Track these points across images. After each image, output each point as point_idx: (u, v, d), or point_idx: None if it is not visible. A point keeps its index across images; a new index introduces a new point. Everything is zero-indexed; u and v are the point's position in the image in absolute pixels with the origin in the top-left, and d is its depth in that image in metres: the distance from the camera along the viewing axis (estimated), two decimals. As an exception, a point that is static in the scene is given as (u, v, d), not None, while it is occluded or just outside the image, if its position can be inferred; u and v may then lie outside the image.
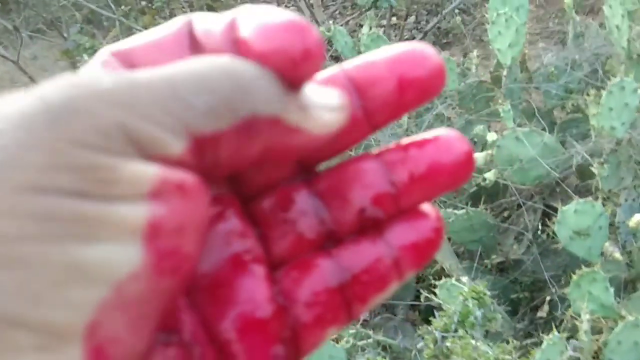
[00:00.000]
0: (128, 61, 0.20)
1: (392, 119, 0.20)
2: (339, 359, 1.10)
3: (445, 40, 2.75)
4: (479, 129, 1.22)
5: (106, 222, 0.15)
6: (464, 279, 1.19)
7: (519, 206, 1.28)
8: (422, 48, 0.19)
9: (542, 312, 1.29)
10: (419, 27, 2.77)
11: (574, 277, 0.90)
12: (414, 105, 0.19)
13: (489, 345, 0.76)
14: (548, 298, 1.26)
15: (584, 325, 0.81)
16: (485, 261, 1.34)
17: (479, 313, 0.80)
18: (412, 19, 2.67)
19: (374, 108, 0.19)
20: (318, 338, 0.19)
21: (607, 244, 1.09)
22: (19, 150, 0.15)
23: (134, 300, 0.16)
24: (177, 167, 0.17)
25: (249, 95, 0.17)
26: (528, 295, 1.31)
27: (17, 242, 0.15)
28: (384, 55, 0.19)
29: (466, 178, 0.20)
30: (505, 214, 1.33)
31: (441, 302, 1.09)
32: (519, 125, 1.21)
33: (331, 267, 0.19)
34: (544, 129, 1.23)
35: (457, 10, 2.57)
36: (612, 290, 0.88)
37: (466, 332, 0.78)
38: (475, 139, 1.45)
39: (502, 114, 1.15)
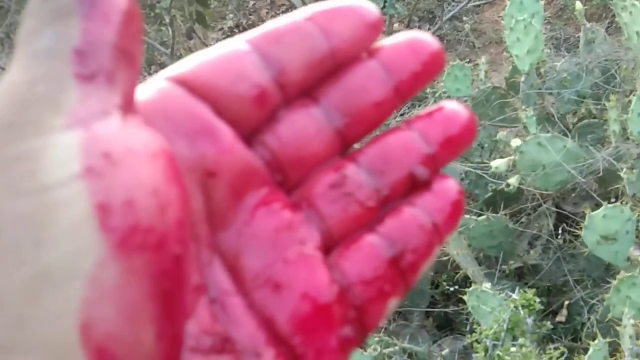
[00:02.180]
0: (187, 85, 0.19)
1: (416, 90, 0.22)
2: (367, 368, 1.09)
3: (438, 47, 2.76)
4: (501, 134, 1.23)
5: (50, 218, 0.15)
6: (487, 285, 1.19)
7: (534, 210, 1.28)
8: (423, 37, 0.21)
9: (561, 317, 1.29)
10: (410, 34, 2.77)
11: (614, 281, 0.90)
12: (431, 76, 0.22)
13: (540, 352, 0.75)
14: (568, 303, 1.27)
15: (628, 330, 0.81)
16: (504, 267, 1.34)
17: (529, 320, 0.80)
18: (402, 26, 2.68)
19: (401, 80, 0.21)
20: (381, 312, 0.20)
21: (632, 248, 1.10)
22: None
23: (113, 289, 0.15)
24: None
25: None
26: (545, 300, 1.31)
27: None
28: (400, 40, 0.21)
29: (473, 137, 0.22)
30: (523, 219, 1.33)
31: (470, 309, 1.09)
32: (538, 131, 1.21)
33: (381, 242, 0.20)
34: (561, 135, 1.24)
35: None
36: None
37: (514, 339, 0.77)
38: (491, 144, 1.46)
39: (525, 120, 1.16)
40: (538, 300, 0.98)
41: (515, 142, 1.15)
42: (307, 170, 0.21)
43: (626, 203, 1.03)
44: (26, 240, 0.14)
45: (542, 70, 1.36)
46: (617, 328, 0.85)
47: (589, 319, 1.10)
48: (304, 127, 0.20)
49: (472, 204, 1.44)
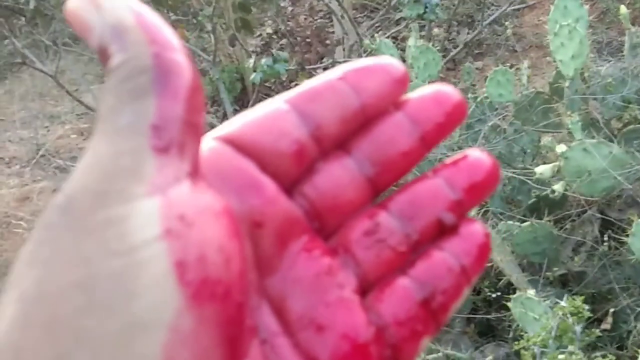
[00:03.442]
0: (234, 144, 0.21)
1: (441, 139, 0.23)
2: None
3: (477, 51, 2.75)
4: (546, 140, 1.22)
5: (137, 275, 0.17)
6: (531, 292, 1.19)
7: (579, 217, 1.27)
8: (446, 90, 0.23)
9: (607, 325, 1.27)
10: (450, 39, 2.77)
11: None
12: (454, 126, 0.23)
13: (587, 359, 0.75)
14: (613, 311, 1.25)
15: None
16: (548, 273, 1.33)
17: (578, 328, 0.80)
18: (441, 30, 2.67)
19: (427, 131, 0.23)
20: (415, 350, 0.21)
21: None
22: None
23: (189, 335, 0.17)
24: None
25: None
26: (590, 308, 1.29)
27: (78, 316, 0.16)
28: (424, 92, 0.23)
29: (497, 183, 0.23)
30: (568, 225, 1.32)
31: (515, 316, 1.08)
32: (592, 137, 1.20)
33: (413, 285, 0.22)
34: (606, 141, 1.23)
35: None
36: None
37: (559, 347, 0.77)
38: (533, 150, 1.45)
39: (570, 126, 1.15)
40: (586, 307, 0.97)
41: (561, 148, 1.14)
42: (343, 218, 0.22)
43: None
44: (118, 294, 0.16)
45: (586, 75, 1.34)
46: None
47: (635, 326, 1.08)
48: (338, 177, 0.22)
49: (515, 210, 1.43)
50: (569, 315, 0.81)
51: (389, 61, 0.23)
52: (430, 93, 0.23)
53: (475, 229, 0.23)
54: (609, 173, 1.14)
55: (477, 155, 0.23)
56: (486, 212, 1.45)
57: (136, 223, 0.17)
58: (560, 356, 0.74)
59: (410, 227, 0.22)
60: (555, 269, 1.34)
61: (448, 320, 0.22)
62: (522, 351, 0.80)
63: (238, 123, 0.22)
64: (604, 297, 1.33)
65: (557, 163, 1.18)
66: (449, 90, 0.23)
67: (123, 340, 0.16)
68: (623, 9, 1.40)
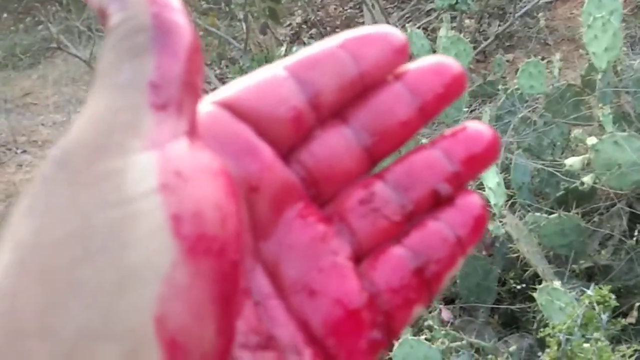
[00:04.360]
0: (232, 109, 0.21)
1: (439, 110, 0.23)
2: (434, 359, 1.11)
3: (508, 44, 2.74)
4: (577, 132, 1.22)
5: (133, 226, 0.17)
6: (557, 283, 1.19)
7: (607, 210, 1.27)
8: (446, 61, 0.23)
9: (632, 318, 1.27)
10: (480, 30, 2.76)
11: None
12: (453, 98, 0.23)
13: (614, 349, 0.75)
14: (638, 304, 1.24)
15: None
16: (574, 266, 1.33)
17: (604, 317, 0.80)
18: (472, 22, 2.66)
19: (425, 102, 0.23)
20: (407, 317, 0.22)
21: None
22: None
23: (184, 288, 0.17)
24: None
25: None
26: (616, 301, 1.29)
27: (73, 266, 0.16)
28: (424, 63, 0.23)
29: (497, 155, 0.23)
30: (596, 218, 1.32)
31: (540, 306, 1.09)
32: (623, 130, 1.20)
33: (407, 253, 0.22)
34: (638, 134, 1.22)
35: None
36: None
37: (584, 335, 0.78)
38: (563, 142, 1.45)
39: (601, 118, 1.15)
40: (613, 297, 0.98)
41: (591, 140, 1.14)
42: (339, 186, 0.22)
43: None
44: (114, 244, 0.17)
45: (619, 68, 1.34)
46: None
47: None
48: (335, 145, 0.22)
49: (543, 202, 1.43)
50: (595, 304, 0.82)
51: (389, 30, 0.23)
52: (429, 64, 0.23)
53: (471, 200, 0.23)
54: (639, 166, 1.13)
55: (476, 127, 0.23)
56: (514, 203, 1.45)
57: (133, 176, 0.17)
58: (586, 344, 0.75)
59: (405, 197, 0.22)
60: (581, 261, 1.33)
61: (442, 289, 0.22)
62: (548, 338, 0.81)
63: (236, 88, 0.22)
64: (629, 291, 1.33)
65: (587, 155, 1.18)
66: (449, 61, 0.23)
67: (117, 290, 0.16)
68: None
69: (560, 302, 1.03)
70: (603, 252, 1.32)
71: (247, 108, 0.21)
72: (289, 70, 0.22)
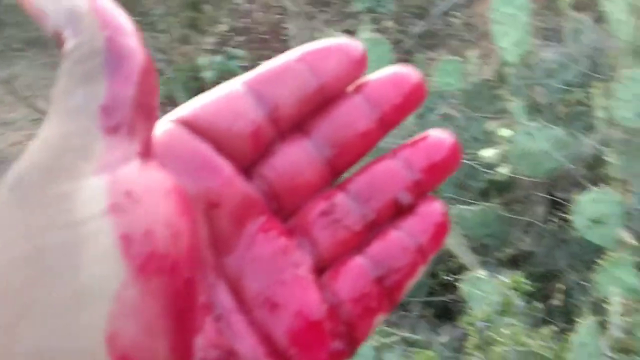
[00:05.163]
0: (190, 126, 0.22)
1: (399, 120, 0.24)
2: (368, 357, 1.13)
3: (430, 42, 2.80)
4: (490, 125, 1.26)
5: (84, 247, 0.17)
6: (480, 272, 1.22)
7: (527, 199, 1.31)
8: (405, 71, 0.23)
9: (557, 301, 1.32)
10: (400, 30, 2.81)
11: (601, 262, 0.93)
12: (413, 107, 0.24)
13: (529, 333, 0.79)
14: (562, 287, 1.29)
15: (615, 308, 0.84)
16: (499, 254, 1.37)
17: (520, 302, 0.83)
18: (393, 22, 2.71)
19: (385, 112, 0.23)
20: (369, 327, 0.22)
21: (621, 230, 1.13)
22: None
23: (135, 306, 0.17)
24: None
25: None
26: (541, 286, 1.34)
27: (24, 287, 0.17)
28: (383, 74, 0.24)
29: (458, 162, 0.24)
30: (516, 207, 1.36)
31: (464, 296, 1.12)
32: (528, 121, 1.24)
33: (368, 263, 0.22)
34: (550, 123, 1.27)
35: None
36: (637, 273, 0.92)
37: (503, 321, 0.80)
38: (483, 136, 1.49)
39: (512, 111, 1.19)
40: (528, 282, 1.01)
41: (505, 132, 1.18)
42: (301, 199, 0.23)
43: (612, 187, 1.07)
44: (65, 266, 0.17)
45: (530, 61, 1.39)
46: (606, 306, 0.88)
47: (582, 301, 1.13)
48: (296, 159, 0.23)
49: (466, 194, 1.47)
50: (511, 290, 0.85)
51: (347, 42, 0.23)
52: (388, 74, 0.23)
53: (433, 208, 0.23)
54: (552, 155, 1.18)
55: (437, 135, 0.23)
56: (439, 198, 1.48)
57: (83, 198, 0.17)
58: (505, 330, 0.78)
59: (366, 207, 0.23)
60: (506, 249, 1.38)
61: (403, 298, 0.23)
62: (467, 327, 0.83)
63: (194, 105, 0.22)
64: (554, 274, 1.38)
65: (502, 147, 1.22)
66: (407, 72, 0.23)
67: (69, 310, 0.17)
68: (563, -4, 1.45)
69: (482, 291, 1.06)
70: (526, 239, 1.37)
71: (206, 124, 0.21)
72: (247, 85, 0.22)
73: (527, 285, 0.85)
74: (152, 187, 0.19)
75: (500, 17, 1.30)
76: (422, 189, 0.23)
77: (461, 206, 1.34)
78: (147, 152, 0.20)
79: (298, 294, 0.22)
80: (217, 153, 0.22)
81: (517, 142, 1.20)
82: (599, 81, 1.24)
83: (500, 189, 1.37)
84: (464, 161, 1.47)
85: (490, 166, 1.26)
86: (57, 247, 0.17)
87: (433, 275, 1.53)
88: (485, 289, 1.08)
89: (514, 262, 1.47)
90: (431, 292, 1.51)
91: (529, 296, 1.38)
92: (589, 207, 1.07)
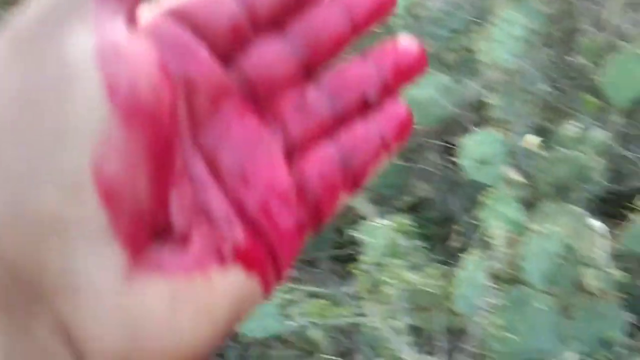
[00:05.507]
0: (173, 14, 0.23)
1: (369, 25, 0.26)
2: (272, 314, 1.13)
3: None
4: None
5: (72, 85, 0.19)
6: (377, 220, 1.25)
7: (420, 146, 1.34)
8: None
9: (455, 242, 1.37)
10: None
11: (483, 198, 0.97)
12: (383, 13, 0.26)
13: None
14: (459, 229, 1.34)
15: (498, 240, 0.88)
16: (398, 203, 1.40)
17: (406, 243, 0.86)
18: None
19: (357, 17, 0.25)
20: (334, 203, 0.25)
21: (508, 168, 1.18)
22: None
23: (118, 143, 0.19)
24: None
25: None
26: (440, 230, 1.39)
27: (15, 120, 0.19)
28: None
29: (424, 67, 0.27)
30: (412, 155, 1.39)
31: (363, 245, 1.14)
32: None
33: (334, 148, 0.25)
34: (438, 72, 1.30)
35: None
36: (519, 207, 0.96)
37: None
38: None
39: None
40: (414, 225, 1.04)
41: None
42: (275, 91, 0.25)
43: (495, 128, 1.10)
44: (54, 97, 0.19)
45: (417, 11, 1.40)
46: (490, 241, 0.92)
47: (473, 239, 1.17)
48: (272, 53, 0.24)
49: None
50: (397, 234, 0.87)
51: None
52: None
53: (398, 106, 0.26)
54: (439, 101, 1.21)
55: (406, 41, 0.26)
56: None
57: (74, 49, 0.19)
58: (392, 272, 0.80)
59: (336, 100, 0.25)
60: (405, 198, 1.41)
61: (366, 182, 0.25)
62: (355, 271, 0.85)
63: None
64: (450, 217, 1.43)
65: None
66: None
67: (57, 139, 0.18)
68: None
69: (373, 237, 1.09)
70: (424, 186, 1.40)
71: (188, 13, 0.23)
72: None
73: (413, 227, 0.87)
74: (137, 50, 0.21)
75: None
76: (389, 89, 0.25)
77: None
78: (133, 21, 0.21)
79: (268, 170, 0.24)
80: (197, 41, 0.23)
81: (406, 91, 1.22)
82: (481, 26, 1.27)
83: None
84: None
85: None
86: (46, 81, 0.19)
87: (338, 230, 1.55)
88: (376, 235, 1.10)
89: (414, 209, 1.50)
90: (337, 246, 1.54)
91: (428, 239, 1.42)
92: (474, 148, 1.11)
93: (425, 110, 1.22)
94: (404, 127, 0.26)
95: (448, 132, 1.34)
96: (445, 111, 1.22)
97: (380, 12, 0.25)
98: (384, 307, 0.76)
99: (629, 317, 1.08)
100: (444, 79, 1.22)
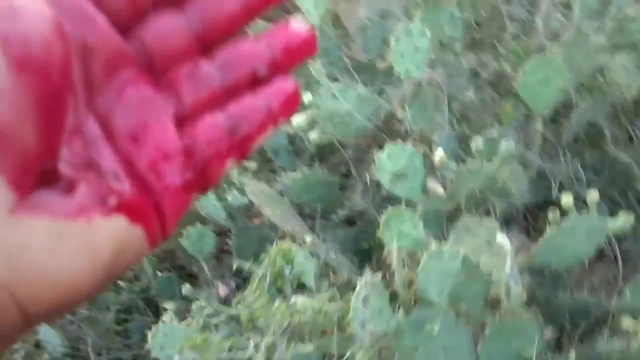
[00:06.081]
0: None
1: (262, 8, 0.27)
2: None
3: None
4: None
5: None
6: (308, 238, 1.23)
7: (347, 160, 1.32)
8: None
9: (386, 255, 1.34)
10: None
11: (383, 217, 0.94)
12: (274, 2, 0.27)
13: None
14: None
15: (395, 261, 0.85)
16: (333, 216, 1.38)
17: (287, 270, 0.83)
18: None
19: (252, 2, 0.27)
20: (221, 167, 0.26)
21: (429, 180, 1.15)
22: None
23: (8, 91, 0.21)
24: None
25: None
26: (373, 243, 1.36)
27: None
28: None
29: (313, 49, 0.28)
30: (341, 168, 1.37)
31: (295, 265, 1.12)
32: (337, 81, 1.24)
33: (223, 117, 0.26)
34: (366, 82, 1.28)
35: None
36: (421, 224, 0.94)
37: (278, 290, 0.80)
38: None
39: (314, 73, 1.18)
40: (340, 245, 1.02)
41: (307, 97, 1.17)
42: (171, 62, 0.26)
43: (409, 140, 1.08)
44: None
45: (338, 22, 1.38)
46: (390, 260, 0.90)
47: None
48: (169, 27, 0.26)
49: (299, 161, 1.46)
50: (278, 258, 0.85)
51: None
52: None
53: (286, 82, 0.27)
54: (355, 114, 1.18)
55: (297, 24, 0.27)
56: (273, 169, 1.48)
57: None
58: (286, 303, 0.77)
59: (227, 74, 0.27)
60: (339, 211, 1.39)
61: (252, 150, 0.27)
62: (239, 305, 0.83)
63: None
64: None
65: (310, 112, 1.21)
66: None
67: None
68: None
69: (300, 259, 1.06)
70: (355, 198, 1.38)
71: None
72: None
73: (298, 249, 0.85)
74: (33, 8, 0.22)
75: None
76: (279, 67, 0.27)
77: (291, 174, 1.34)
78: None
79: (159, 132, 0.25)
80: (95, 9, 0.24)
81: (323, 106, 1.20)
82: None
83: (323, 153, 1.37)
84: (290, 131, 1.46)
85: (305, 131, 1.26)
86: None
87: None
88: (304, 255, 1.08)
89: (351, 222, 1.48)
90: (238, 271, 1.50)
91: (360, 254, 1.40)
92: (389, 162, 1.08)
93: (343, 123, 1.19)
94: (291, 102, 0.27)
95: (368, 144, 1.31)
96: (362, 124, 1.20)
97: None
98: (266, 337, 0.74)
99: (549, 331, 1.06)
100: (363, 91, 1.19)
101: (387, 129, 1.18)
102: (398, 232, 0.89)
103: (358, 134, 1.20)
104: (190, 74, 0.26)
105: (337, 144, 1.24)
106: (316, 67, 1.18)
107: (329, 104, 1.19)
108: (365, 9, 1.44)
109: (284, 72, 0.28)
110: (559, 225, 0.92)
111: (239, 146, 0.27)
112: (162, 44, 0.26)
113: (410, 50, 1.03)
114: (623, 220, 0.93)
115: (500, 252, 0.92)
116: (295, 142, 1.48)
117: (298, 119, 1.22)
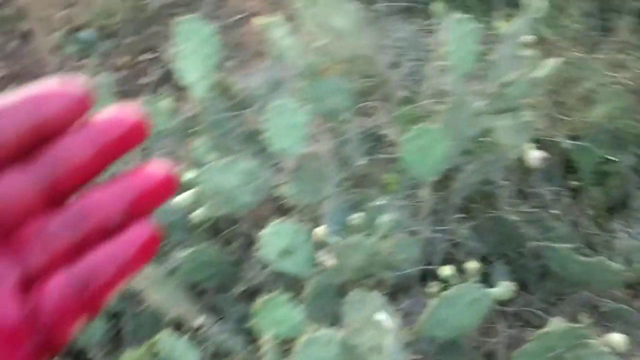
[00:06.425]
0: None
1: (119, 154, 0.26)
2: None
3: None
4: (178, 170, 1.20)
5: None
6: (200, 320, 1.17)
7: (237, 235, 1.28)
8: (127, 110, 0.26)
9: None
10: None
11: (255, 306, 0.90)
12: (132, 143, 0.26)
13: None
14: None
15: (269, 352, 0.81)
16: (231, 292, 1.33)
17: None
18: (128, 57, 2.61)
19: (103, 148, 0.26)
20: (68, 329, 0.25)
21: (320, 253, 1.12)
22: None
23: None
24: None
25: None
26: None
27: None
28: (106, 113, 0.26)
29: (171, 192, 0.27)
30: (235, 244, 1.33)
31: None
32: (228, 153, 1.20)
33: (72, 275, 0.25)
34: (257, 153, 1.24)
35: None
36: (300, 307, 0.89)
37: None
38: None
39: (197, 149, 1.14)
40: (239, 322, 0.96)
41: (189, 175, 1.13)
42: (18, 221, 0.25)
43: (293, 215, 1.05)
44: None
45: (226, 92, 1.36)
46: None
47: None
48: (13, 185, 0.24)
49: (194, 237, 1.41)
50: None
51: (71, 81, 0.25)
52: (111, 114, 0.26)
53: (141, 230, 0.26)
54: (241, 189, 1.15)
55: (154, 166, 0.26)
56: (171, 244, 1.42)
57: None
58: None
59: (78, 227, 0.25)
60: (237, 287, 1.34)
61: (106, 304, 0.25)
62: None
63: None
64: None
65: (195, 189, 1.17)
66: (129, 111, 0.26)
67: None
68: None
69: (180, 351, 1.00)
70: (251, 273, 1.33)
71: None
72: None
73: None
74: None
75: (183, 51, 1.26)
76: (135, 213, 0.26)
77: (177, 255, 1.28)
78: None
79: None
80: None
81: (208, 181, 1.16)
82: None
83: (218, 226, 1.32)
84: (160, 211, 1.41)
85: (192, 209, 1.21)
86: None
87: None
88: (183, 347, 1.02)
89: (251, 297, 1.43)
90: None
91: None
92: (272, 240, 1.04)
93: (229, 198, 1.15)
94: (148, 249, 0.26)
95: (255, 219, 1.28)
96: (251, 198, 1.16)
97: (130, 142, 0.26)
98: None
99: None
100: (248, 165, 1.16)
101: (275, 204, 1.15)
102: (272, 320, 0.84)
103: (245, 209, 1.16)
104: (36, 233, 0.25)
105: (231, 218, 1.19)
106: (200, 142, 1.15)
107: (215, 179, 1.15)
108: (258, 79, 1.42)
109: (141, 216, 0.26)
110: (439, 297, 0.90)
111: (89, 303, 0.26)
112: (6, 204, 0.25)
113: (285, 127, 1.00)
114: (505, 289, 0.91)
115: (382, 329, 0.89)
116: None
117: (182, 197, 1.17)
